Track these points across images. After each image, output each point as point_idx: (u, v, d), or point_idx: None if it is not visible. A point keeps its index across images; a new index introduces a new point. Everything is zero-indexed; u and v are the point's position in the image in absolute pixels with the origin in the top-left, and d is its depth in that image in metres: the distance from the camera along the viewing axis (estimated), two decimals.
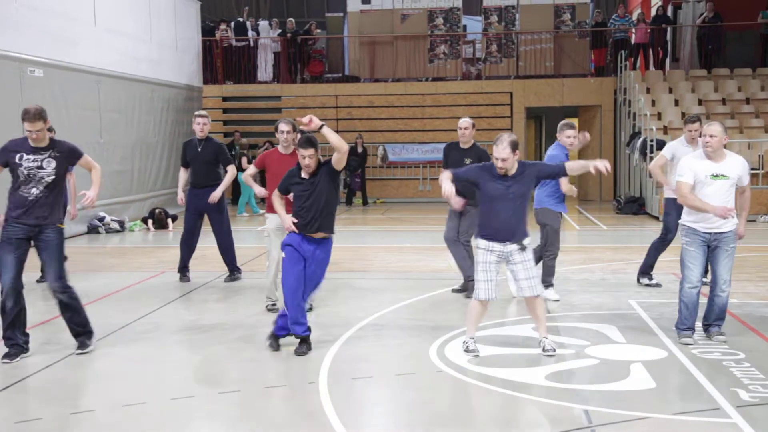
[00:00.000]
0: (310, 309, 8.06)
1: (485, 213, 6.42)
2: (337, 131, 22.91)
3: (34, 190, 6.42)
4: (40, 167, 6.42)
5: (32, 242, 6.53)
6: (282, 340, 6.69)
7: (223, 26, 22.90)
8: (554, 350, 6.42)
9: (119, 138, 16.66)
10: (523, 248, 6.39)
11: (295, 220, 6.51)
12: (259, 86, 22.80)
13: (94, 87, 15.62)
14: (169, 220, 15.98)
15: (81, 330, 6.73)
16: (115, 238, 14.82)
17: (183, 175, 9.99)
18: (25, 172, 6.40)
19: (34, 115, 6.32)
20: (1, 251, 6.44)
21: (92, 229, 15.10)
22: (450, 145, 8.88)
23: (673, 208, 8.91)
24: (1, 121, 11.79)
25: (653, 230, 9.49)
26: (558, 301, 8.41)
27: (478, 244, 6.51)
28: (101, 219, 15.29)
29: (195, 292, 9.29)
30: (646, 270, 9.35)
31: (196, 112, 9.87)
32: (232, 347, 6.86)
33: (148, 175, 18.11)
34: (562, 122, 8.48)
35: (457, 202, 8.00)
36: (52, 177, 6.47)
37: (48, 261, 6.55)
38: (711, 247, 6.69)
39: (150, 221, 15.90)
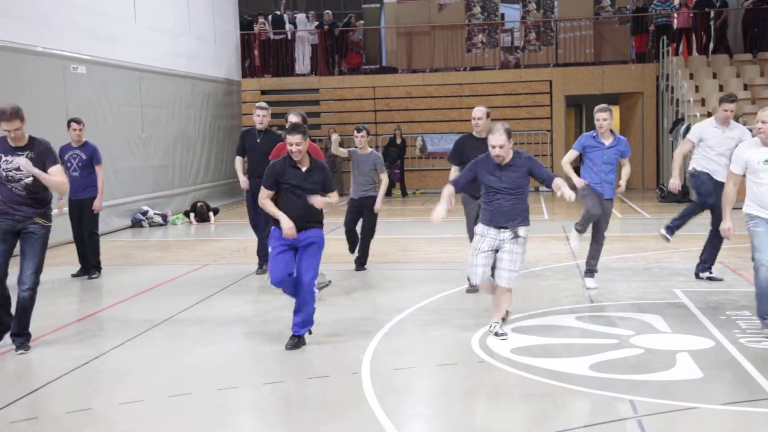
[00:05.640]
0: (328, 283, 8.43)
1: (485, 202, 6.62)
2: (375, 123, 22.89)
3: (15, 189, 6.42)
4: (18, 169, 6.38)
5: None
6: (329, 333, 6.73)
7: (261, 20, 23.04)
8: (506, 334, 6.60)
9: (161, 132, 16.88)
10: (516, 237, 6.49)
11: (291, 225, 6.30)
12: (297, 79, 22.89)
13: (136, 83, 15.83)
14: (211, 214, 16.15)
15: (23, 331, 6.64)
16: (158, 231, 15.02)
17: (240, 162, 9.89)
18: (3, 173, 6.38)
19: (11, 114, 6.27)
20: None
21: (136, 223, 15.32)
22: (465, 137, 8.41)
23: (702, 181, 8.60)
24: (46, 117, 11.98)
25: (697, 218, 9.31)
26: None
27: (476, 229, 6.72)
28: (144, 213, 15.50)
29: (237, 284, 9.38)
30: (703, 262, 8.95)
31: (257, 104, 9.83)
32: (275, 338, 6.91)
33: (189, 169, 18.31)
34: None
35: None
36: (30, 178, 6.41)
37: (29, 254, 6.51)
38: None
39: (192, 214, 16.08)
